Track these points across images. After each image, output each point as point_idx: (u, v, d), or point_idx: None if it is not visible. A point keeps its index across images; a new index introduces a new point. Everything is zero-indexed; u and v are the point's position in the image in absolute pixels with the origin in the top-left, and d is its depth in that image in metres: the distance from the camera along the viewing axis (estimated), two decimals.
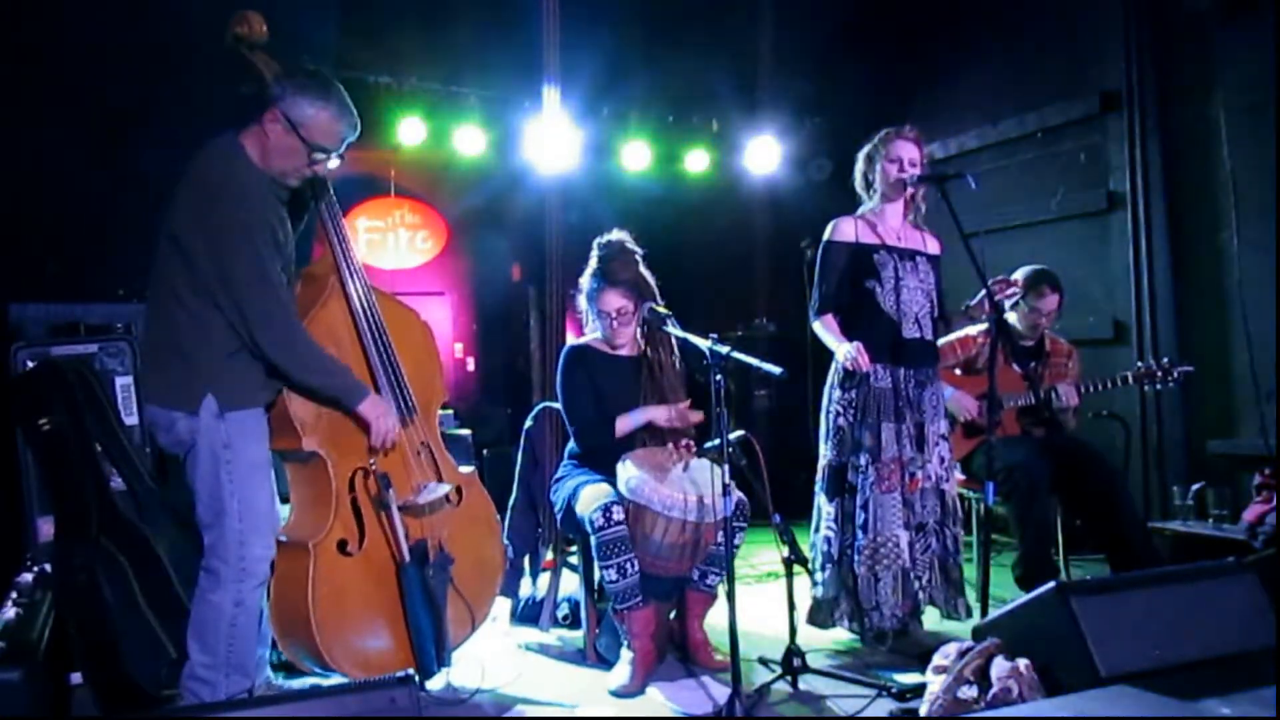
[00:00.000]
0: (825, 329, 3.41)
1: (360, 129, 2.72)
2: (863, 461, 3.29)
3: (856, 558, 3.27)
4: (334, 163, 2.73)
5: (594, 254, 3.44)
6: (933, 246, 3.50)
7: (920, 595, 3.32)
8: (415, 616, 2.80)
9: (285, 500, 2.96)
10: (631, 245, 3.44)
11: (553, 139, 4.26)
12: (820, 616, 3.36)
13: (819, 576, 3.34)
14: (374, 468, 2.82)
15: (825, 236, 3.46)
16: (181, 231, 2.51)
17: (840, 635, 3.43)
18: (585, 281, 3.44)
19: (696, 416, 3.32)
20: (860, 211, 3.48)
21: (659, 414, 3.34)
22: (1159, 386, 3.97)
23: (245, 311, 2.50)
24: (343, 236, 2.89)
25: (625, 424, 3.32)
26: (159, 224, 2.56)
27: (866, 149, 3.46)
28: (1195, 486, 4.29)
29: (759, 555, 4.61)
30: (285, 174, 2.64)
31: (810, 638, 3.28)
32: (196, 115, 4.02)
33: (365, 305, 2.88)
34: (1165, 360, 3.94)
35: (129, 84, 4.43)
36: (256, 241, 2.51)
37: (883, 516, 3.26)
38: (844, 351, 3.28)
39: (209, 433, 2.54)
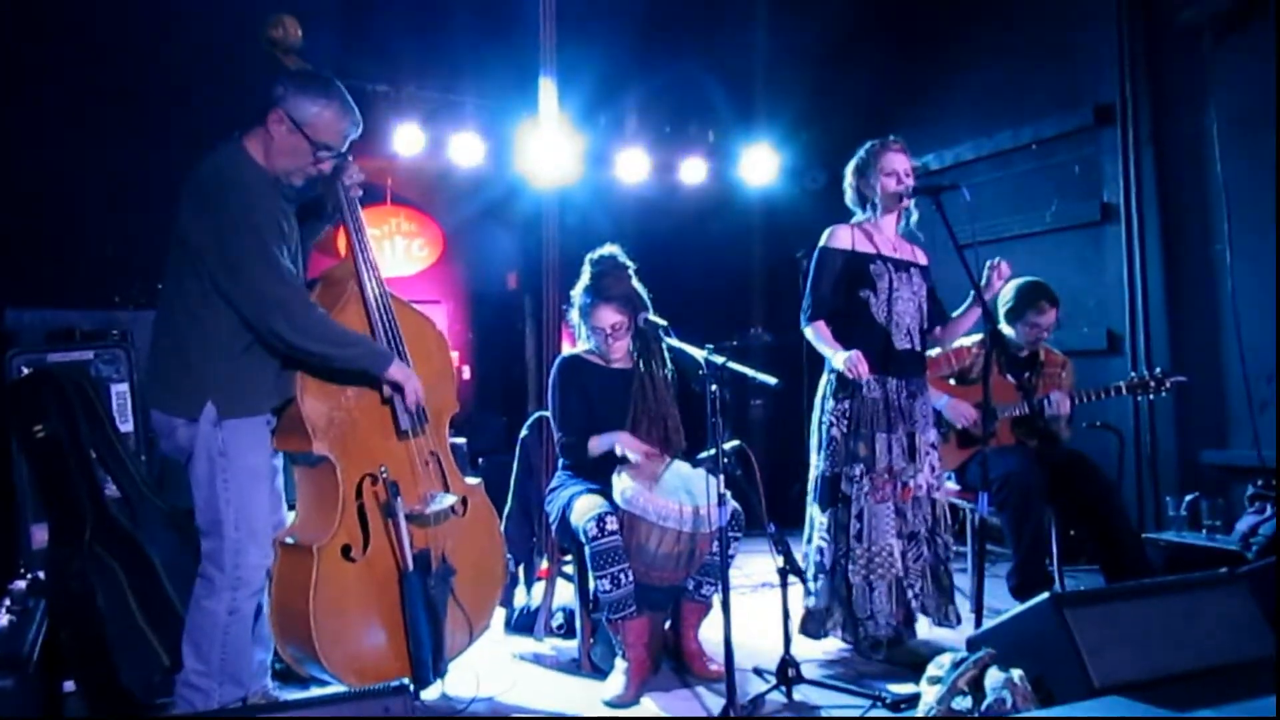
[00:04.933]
0: (817, 335, 3.41)
1: (362, 128, 2.72)
2: (857, 472, 3.30)
3: (851, 567, 3.28)
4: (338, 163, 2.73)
5: (585, 269, 3.44)
6: (922, 258, 3.53)
7: (913, 604, 3.33)
8: (415, 625, 2.79)
9: (293, 508, 2.95)
10: (623, 260, 3.44)
11: (549, 148, 4.26)
12: (813, 626, 3.36)
13: (812, 586, 3.35)
14: (384, 474, 2.79)
15: (821, 242, 3.46)
16: (190, 233, 2.49)
17: (834, 645, 3.43)
18: (577, 297, 3.44)
19: (656, 464, 3.25)
20: (856, 221, 3.50)
21: (628, 442, 3.26)
22: (1152, 397, 3.99)
23: (258, 299, 2.48)
24: (364, 241, 2.88)
25: (596, 444, 3.31)
26: (168, 232, 2.56)
27: (856, 163, 3.47)
28: (1189, 497, 4.31)
29: (754, 565, 4.61)
30: (290, 174, 2.64)
31: (805, 648, 3.28)
32: (197, 119, 4.03)
33: (382, 311, 2.88)
34: (1158, 371, 3.96)
35: (129, 88, 4.44)
36: (265, 236, 2.50)
37: (877, 526, 3.27)
38: (842, 359, 3.28)
39: (206, 440, 2.53)
